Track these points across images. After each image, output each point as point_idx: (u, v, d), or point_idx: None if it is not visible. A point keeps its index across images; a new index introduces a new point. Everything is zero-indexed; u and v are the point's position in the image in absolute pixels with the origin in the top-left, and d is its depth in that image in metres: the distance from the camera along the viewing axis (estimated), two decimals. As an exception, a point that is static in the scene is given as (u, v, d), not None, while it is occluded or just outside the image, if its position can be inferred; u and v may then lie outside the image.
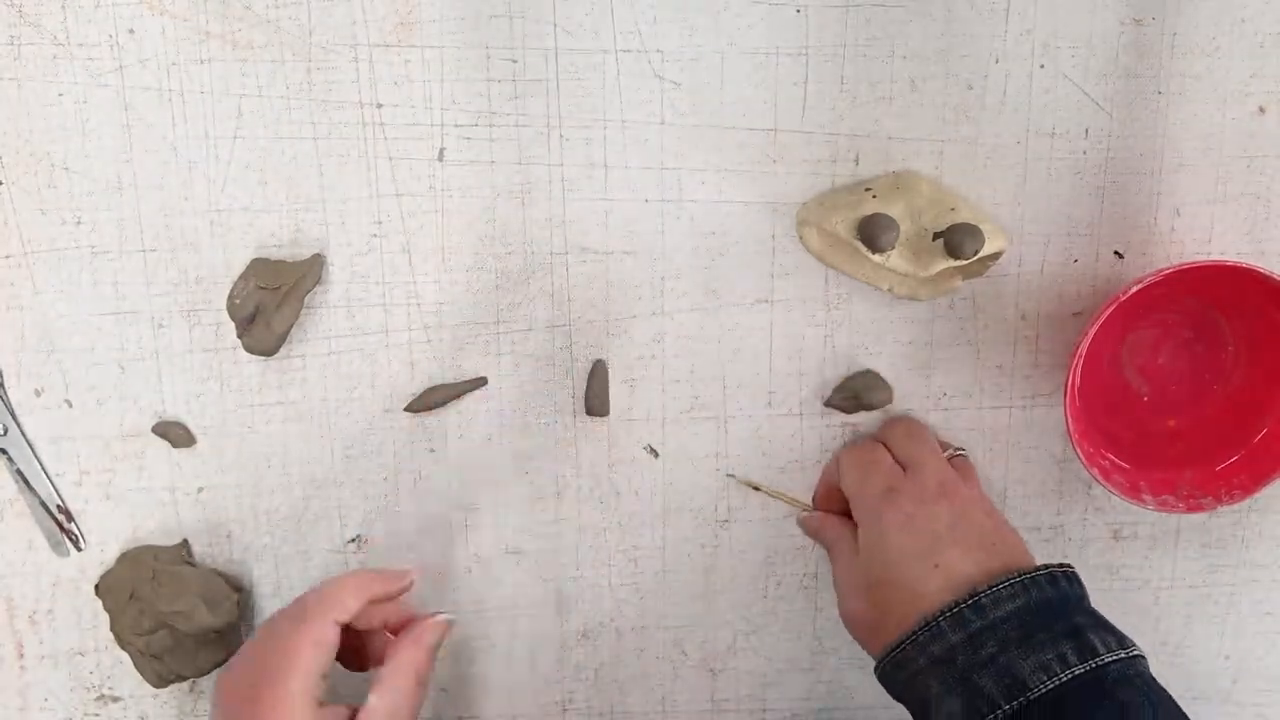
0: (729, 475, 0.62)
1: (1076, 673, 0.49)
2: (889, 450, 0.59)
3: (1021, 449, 0.63)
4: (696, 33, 0.57)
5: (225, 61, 0.57)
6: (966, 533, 0.54)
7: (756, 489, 0.62)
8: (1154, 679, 0.51)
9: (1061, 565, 0.53)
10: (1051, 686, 0.49)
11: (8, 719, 0.64)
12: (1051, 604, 0.51)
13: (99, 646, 0.63)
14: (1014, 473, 0.63)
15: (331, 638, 0.52)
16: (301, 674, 0.51)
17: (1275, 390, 0.59)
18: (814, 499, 0.63)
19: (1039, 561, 0.54)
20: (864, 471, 0.58)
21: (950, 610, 0.51)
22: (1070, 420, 0.56)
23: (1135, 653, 0.51)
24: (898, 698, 0.55)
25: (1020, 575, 0.52)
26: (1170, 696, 0.51)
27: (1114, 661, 0.50)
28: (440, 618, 0.56)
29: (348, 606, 0.53)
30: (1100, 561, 0.64)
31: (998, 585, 0.51)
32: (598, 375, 0.60)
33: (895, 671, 0.54)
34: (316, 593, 0.54)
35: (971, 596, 0.51)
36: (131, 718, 0.64)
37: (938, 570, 0.53)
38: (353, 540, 0.63)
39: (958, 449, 0.61)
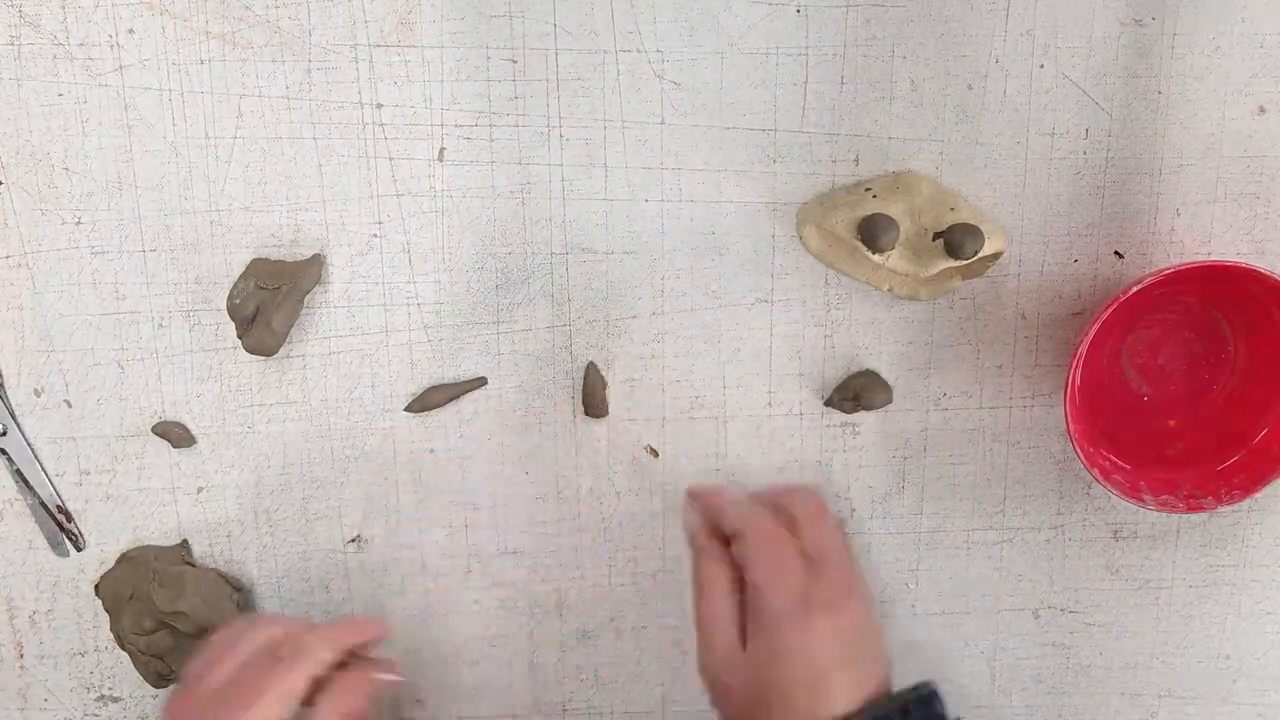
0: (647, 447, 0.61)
1: None
2: (795, 528, 0.55)
3: (1021, 449, 0.63)
4: (696, 33, 0.57)
5: (225, 61, 0.57)
6: (857, 648, 0.52)
7: (655, 454, 0.60)
8: None
9: (915, 688, 0.52)
10: None
11: (8, 719, 0.64)
12: None
13: (99, 646, 0.63)
14: (1014, 473, 0.63)
15: (300, 689, 0.51)
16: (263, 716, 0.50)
17: (1275, 390, 0.59)
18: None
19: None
20: (775, 568, 0.53)
21: None
22: (1070, 420, 0.56)
23: None
24: None
25: (874, 713, 0.50)
26: None
27: None
28: (384, 676, 0.55)
29: (322, 660, 0.52)
30: (1100, 561, 0.64)
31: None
32: (590, 378, 0.60)
33: None
34: (293, 639, 0.53)
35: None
36: (131, 718, 0.64)
37: (823, 698, 0.51)
38: (353, 540, 0.63)
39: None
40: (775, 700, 0.52)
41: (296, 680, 0.51)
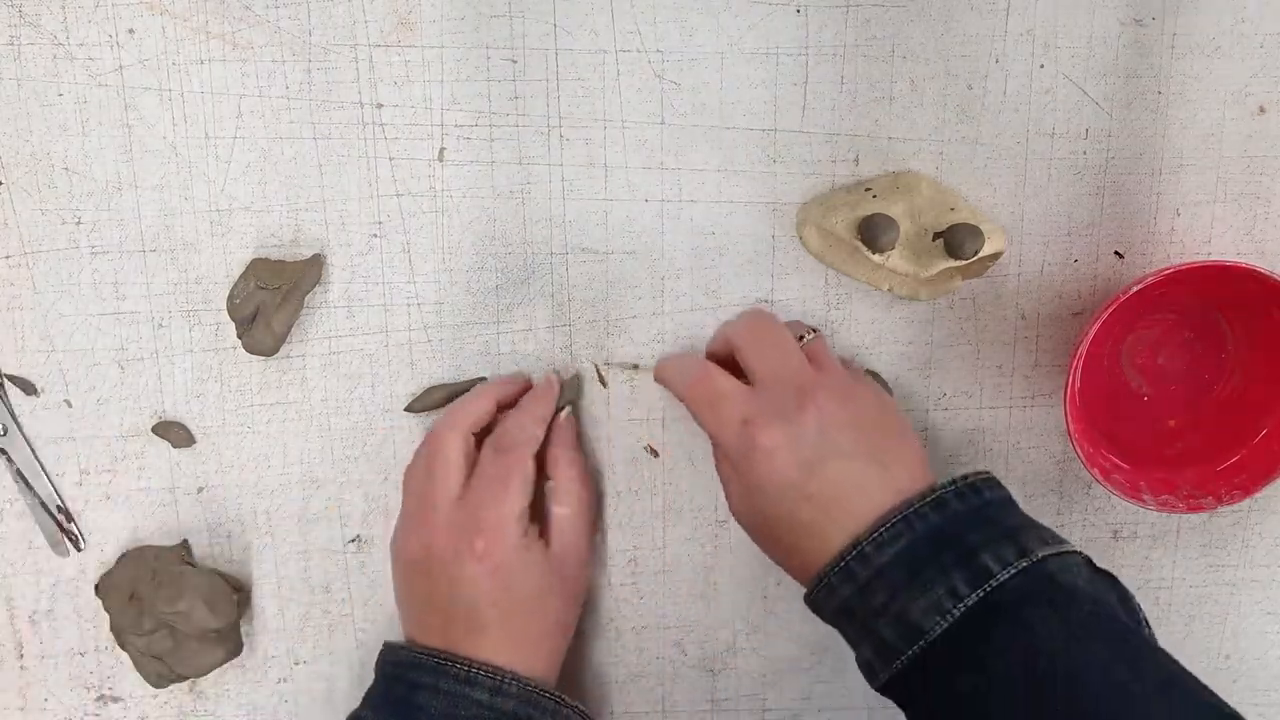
0: (606, 364, 0.61)
1: (969, 603, 0.48)
2: (740, 358, 0.55)
3: (1021, 449, 0.63)
4: (696, 33, 0.57)
5: (225, 61, 0.57)
6: (844, 449, 0.52)
7: (635, 367, 0.61)
8: (1070, 581, 0.48)
9: (955, 481, 0.51)
10: (946, 625, 0.48)
11: (8, 719, 0.64)
12: (941, 533, 0.49)
13: (99, 646, 0.63)
14: (1014, 473, 0.63)
15: (531, 469, 0.57)
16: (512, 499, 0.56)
17: (1275, 390, 0.59)
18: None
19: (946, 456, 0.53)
20: (713, 409, 0.54)
21: (837, 565, 0.50)
22: (1070, 420, 0.56)
23: (1045, 553, 0.48)
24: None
25: (904, 512, 0.50)
26: (1090, 595, 0.48)
27: (1012, 577, 0.48)
28: (551, 377, 0.60)
29: (535, 436, 0.58)
30: (1100, 561, 0.64)
31: (880, 529, 0.50)
32: (569, 389, 0.60)
33: (816, 614, 0.53)
34: (501, 432, 0.58)
35: (855, 546, 0.50)
36: (131, 718, 0.64)
37: (823, 511, 0.51)
38: (353, 540, 0.63)
39: (810, 330, 0.58)
40: (778, 534, 0.53)
41: (527, 464, 0.57)
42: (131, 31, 0.57)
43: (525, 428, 0.58)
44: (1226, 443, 0.60)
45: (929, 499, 0.50)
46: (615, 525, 0.63)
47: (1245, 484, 0.59)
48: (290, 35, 0.57)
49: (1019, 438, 0.62)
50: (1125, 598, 0.51)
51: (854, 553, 0.50)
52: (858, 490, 0.51)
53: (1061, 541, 0.50)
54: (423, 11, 0.57)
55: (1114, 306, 0.55)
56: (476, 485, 0.56)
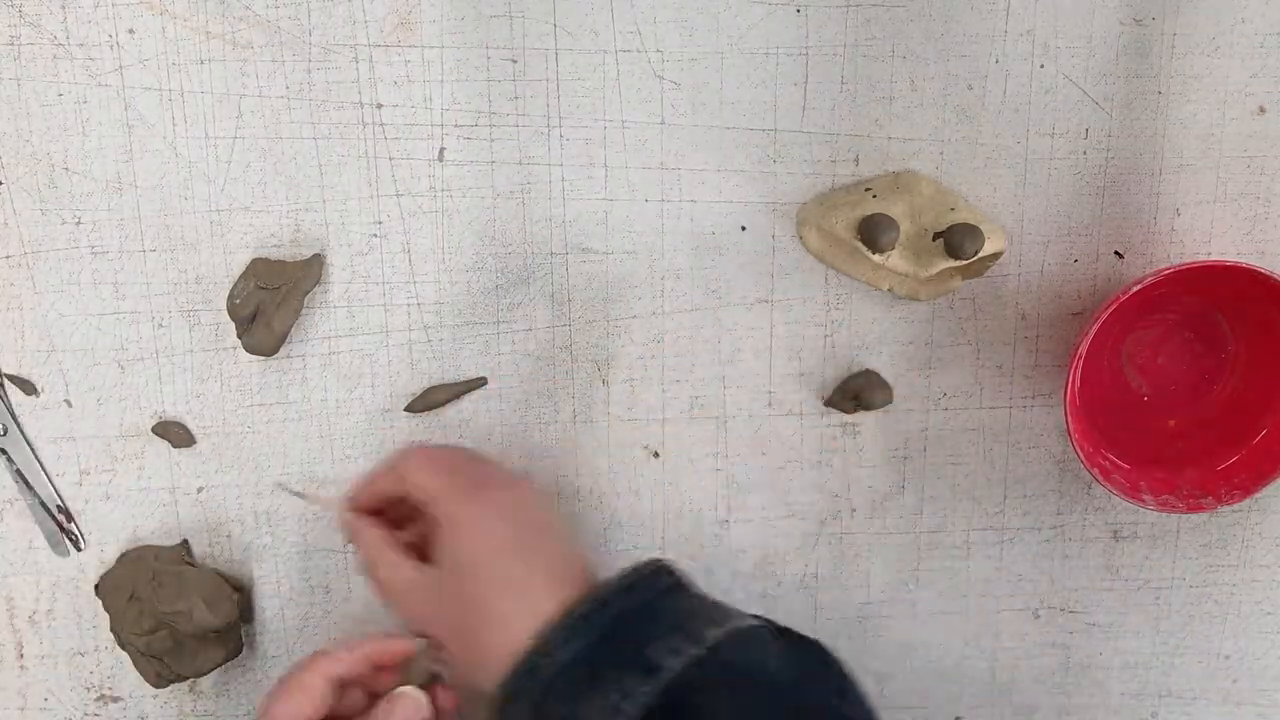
0: (278, 485, 0.60)
1: (643, 701, 0.46)
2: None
3: (1021, 449, 0.63)
4: (696, 33, 0.57)
5: (225, 61, 0.57)
6: (548, 539, 0.52)
7: (300, 495, 0.60)
8: (747, 660, 0.47)
9: (627, 573, 0.50)
10: None
11: (8, 719, 0.64)
12: (613, 630, 0.48)
13: (99, 646, 0.63)
14: (1014, 473, 0.63)
15: (311, 686, 0.51)
16: (277, 711, 0.51)
17: (1275, 390, 0.59)
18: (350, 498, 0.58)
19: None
20: (438, 467, 0.53)
21: (509, 685, 0.48)
22: (1070, 420, 0.56)
23: (712, 642, 0.47)
24: None
25: (569, 615, 0.48)
26: (767, 672, 0.47)
27: (688, 665, 0.46)
28: (407, 692, 0.52)
29: (340, 659, 0.52)
30: (1100, 561, 0.64)
31: (545, 636, 0.48)
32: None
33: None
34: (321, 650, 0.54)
35: (525, 660, 0.48)
36: (131, 718, 0.64)
37: (537, 605, 0.49)
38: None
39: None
40: (475, 611, 0.50)
41: (309, 677, 0.51)
42: (131, 31, 0.57)
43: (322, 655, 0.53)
44: (1226, 443, 0.60)
45: (590, 599, 0.49)
46: (615, 525, 0.63)
47: (1245, 484, 0.59)
48: (290, 35, 0.57)
49: (1019, 438, 0.62)
50: (826, 663, 0.49)
51: (524, 667, 0.48)
52: (556, 583, 0.50)
53: (738, 618, 0.48)
54: (423, 11, 0.57)
55: (1114, 306, 0.55)
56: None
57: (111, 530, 0.62)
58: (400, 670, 0.54)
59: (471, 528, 0.51)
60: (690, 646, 0.47)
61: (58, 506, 0.61)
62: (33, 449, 0.61)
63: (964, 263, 0.57)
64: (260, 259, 0.59)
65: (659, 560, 0.51)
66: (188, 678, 0.61)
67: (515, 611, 0.49)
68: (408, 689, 0.53)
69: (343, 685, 0.53)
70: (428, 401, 0.61)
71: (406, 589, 0.53)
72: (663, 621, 0.48)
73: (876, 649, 0.64)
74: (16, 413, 0.60)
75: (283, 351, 0.60)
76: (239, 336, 0.59)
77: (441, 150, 0.58)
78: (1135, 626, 0.65)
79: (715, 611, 0.49)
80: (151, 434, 0.61)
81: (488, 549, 0.51)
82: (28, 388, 0.60)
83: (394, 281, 0.60)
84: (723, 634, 0.47)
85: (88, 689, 0.64)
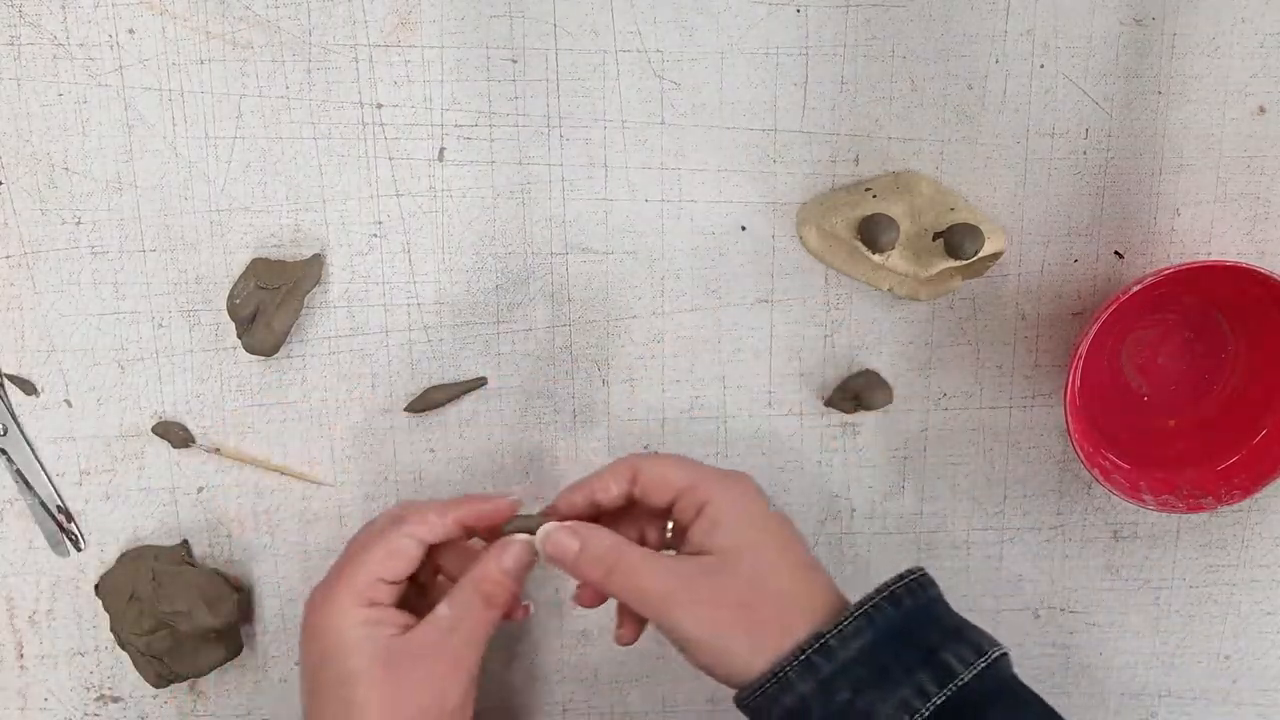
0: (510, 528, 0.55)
1: (938, 703, 0.47)
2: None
3: (1021, 449, 0.63)
4: (696, 33, 0.57)
5: (225, 61, 0.57)
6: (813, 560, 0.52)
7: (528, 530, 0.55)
8: (1015, 681, 0.50)
9: (903, 577, 0.50)
10: None
11: (8, 719, 0.64)
12: (900, 629, 0.49)
13: (99, 646, 0.63)
14: (1014, 473, 0.63)
15: (403, 548, 0.52)
16: (361, 570, 0.51)
17: (1275, 390, 0.59)
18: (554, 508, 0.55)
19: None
20: (685, 462, 0.53)
21: (798, 658, 0.48)
22: (1070, 420, 0.56)
23: (995, 654, 0.49)
24: None
25: (864, 605, 0.49)
26: (1034, 695, 0.50)
27: (974, 677, 0.48)
28: (519, 537, 0.52)
29: (431, 523, 0.52)
30: (1100, 561, 0.64)
31: (843, 623, 0.48)
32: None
33: (753, 715, 0.50)
34: (407, 504, 0.54)
35: (818, 639, 0.48)
36: (131, 718, 0.64)
37: (810, 589, 0.50)
38: (353, 540, 0.63)
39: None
40: (754, 590, 0.50)
41: (399, 540, 0.52)
42: (131, 31, 0.57)
43: (423, 511, 0.53)
44: (1226, 443, 0.60)
45: (885, 594, 0.50)
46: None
47: (1245, 484, 0.59)
48: (290, 35, 0.57)
49: (1019, 438, 0.62)
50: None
51: (817, 645, 0.48)
52: (824, 592, 0.51)
53: (997, 641, 0.50)
54: (423, 11, 0.57)
55: (1114, 306, 0.55)
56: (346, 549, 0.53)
57: (111, 530, 0.62)
58: (495, 534, 0.54)
59: (744, 511, 0.52)
60: (976, 657, 0.48)
61: (58, 506, 0.61)
62: (33, 449, 0.61)
63: (964, 263, 0.57)
64: (260, 259, 0.59)
65: (923, 569, 0.52)
66: (188, 678, 0.61)
67: (793, 591, 0.50)
68: (520, 535, 0.53)
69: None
70: (428, 401, 0.61)
71: (667, 577, 0.50)
72: (946, 627, 0.50)
73: (876, 649, 0.64)
74: (16, 413, 0.61)
75: (283, 351, 0.60)
76: (239, 336, 0.59)
77: (441, 150, 0.58)
78: (1135, 626, 0.65)
79: (980, 629, 0.51)
80: (151, 434, 0.61)
81: (763, 531, 0.52)
82: (28, 388, 0.60)
83: (394, 281, 0.60)
84: (999, 651, 0.49)
85: (88, 689, 0.64)
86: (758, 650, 0.49)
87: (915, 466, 0.63)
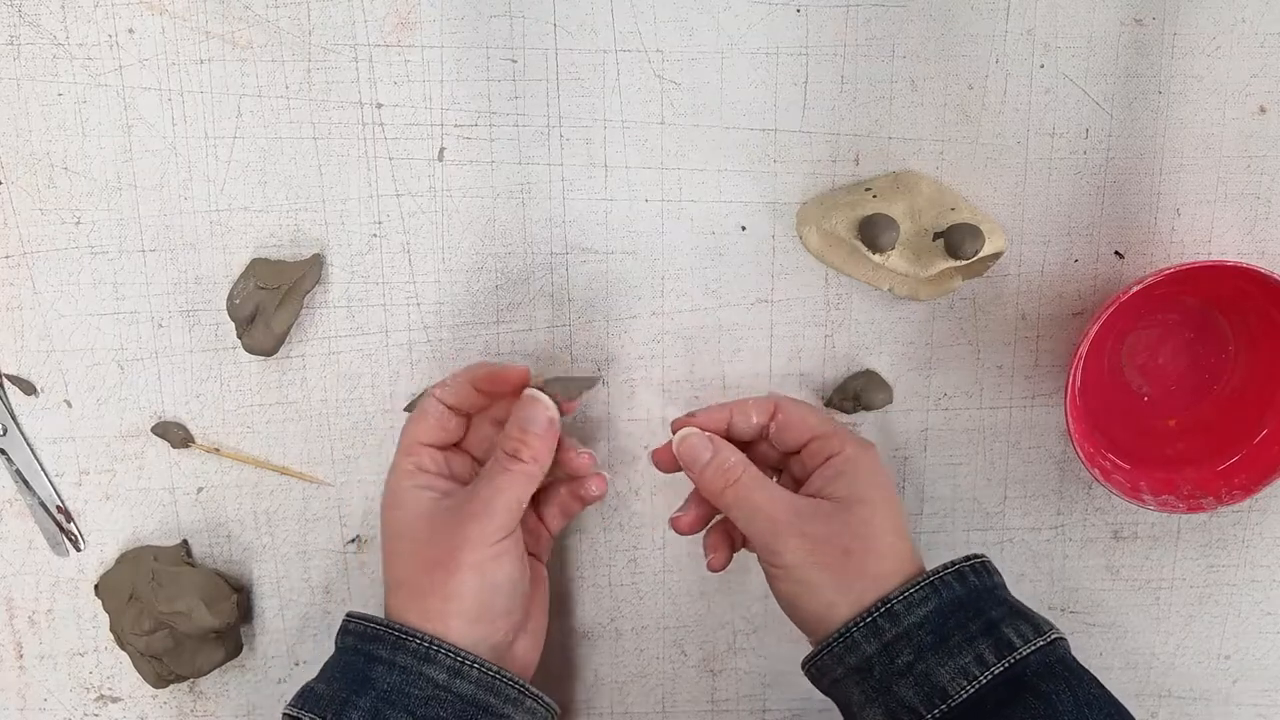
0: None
1: (995, 672, 0.49)
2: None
3: (1021, 449, 0.63)
4: (696, 33, 0.57)
5: (225, 61, 0.57)
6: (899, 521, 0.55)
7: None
8: (1074, 661, 0.52)
9: (969, 558, 0.53)
10: (971, 692, 0.49)
11: (7, 719, 0.64)
12: (964, 602, 0.51)
13: (99, 646, 0.63)
14: (1014, 473, 0.63)
15: (429, 409, 0.55)
16: (405, 438, 0.55)
17: (1275, 390, 0.59)
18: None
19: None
20: (819, 411, 0.58)
21: (864, 620, 0.51)
22: (1070, 420, 0.56)
23: (1054, 636, 0.51)
24: (825, 693, 0.55)
25: (930, 576, 0.52)
26: (1090, 675, 0.51)
27: (1033, 652, 0.50)
28: (531, 392, 0.55)
29: (447, 385, 0.56)
30: (1100, 561, 0.64)
31: (909, 589, 0.51)
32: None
33: (817, 676, 0.54)
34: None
35: (884, 603, 0.51)
36: (131, 718, 0.64)
37: (901, 554, 0.53)
38: (353, 540, 0.63)
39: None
40: (863, 540, 0.53)
41: (429, 404, 0.56)
42: (131, 31, 0.57)
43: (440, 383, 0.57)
44: (1226, 443, 0.60)
45: (951, 569, 0.52)
46: (616, 525, 0.63)
47: (1245, 484, 0.59)
48: (290, 35, 0.57)
49: (1019, 438, 0.62)
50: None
51: (883, 609, 0.51)
52: (896, 560, 0.53)
53: (1057, 627, 0.52)
54: (423, 11, 0.57)
55: (1114, 306, 0.55)
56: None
57: (111, 530, 0.62)
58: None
59: (868, 469, 0.55)
60: (1036, 635, 0.51)
61: (57, 507, 0.61)
62: (33, 449, 0.61)
63: (964, 263, 0.56)
64: (260, 259, 0.59)
65: (984, 556, 0.54)
66: (188, 678, 0.61)
67: (893, 549, 0.53)
68: (532, 392, 0.55)
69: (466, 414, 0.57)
70: (428, 401, 0.61)
71: (783, 504, 0.54)
72: (1007, 605, 0.52)
73: (876, 649, 0.64)
74: (16, 413, 0.61)
75: (282, 351, 0.60)
76: (239, 336, 0.59)
77: (441, 150, 0.58)
78: (1135, 626, 0.65)
79: (1034, 611, 0.53)
80: (151, 434, 0.61)
81: (884, 488, 0.55)
82: (28, 388, 0.60)
83: (394, 281, 0.60)
84: (1057, 634, 0.51)
85: (87, 689, 0.64)
86: (843, 592, 0.52)
87: (915, 466, 0.63)
